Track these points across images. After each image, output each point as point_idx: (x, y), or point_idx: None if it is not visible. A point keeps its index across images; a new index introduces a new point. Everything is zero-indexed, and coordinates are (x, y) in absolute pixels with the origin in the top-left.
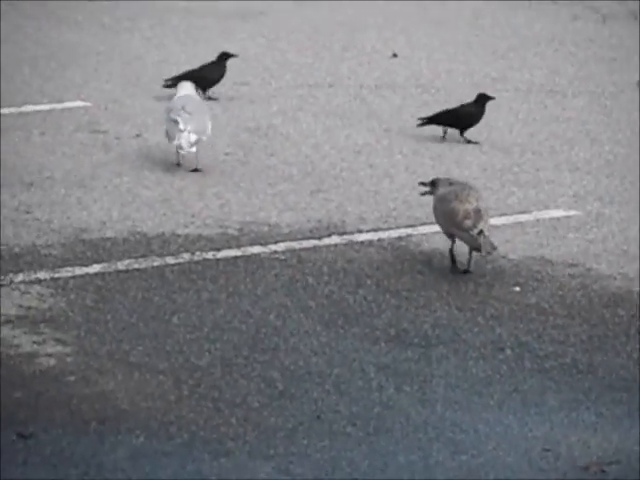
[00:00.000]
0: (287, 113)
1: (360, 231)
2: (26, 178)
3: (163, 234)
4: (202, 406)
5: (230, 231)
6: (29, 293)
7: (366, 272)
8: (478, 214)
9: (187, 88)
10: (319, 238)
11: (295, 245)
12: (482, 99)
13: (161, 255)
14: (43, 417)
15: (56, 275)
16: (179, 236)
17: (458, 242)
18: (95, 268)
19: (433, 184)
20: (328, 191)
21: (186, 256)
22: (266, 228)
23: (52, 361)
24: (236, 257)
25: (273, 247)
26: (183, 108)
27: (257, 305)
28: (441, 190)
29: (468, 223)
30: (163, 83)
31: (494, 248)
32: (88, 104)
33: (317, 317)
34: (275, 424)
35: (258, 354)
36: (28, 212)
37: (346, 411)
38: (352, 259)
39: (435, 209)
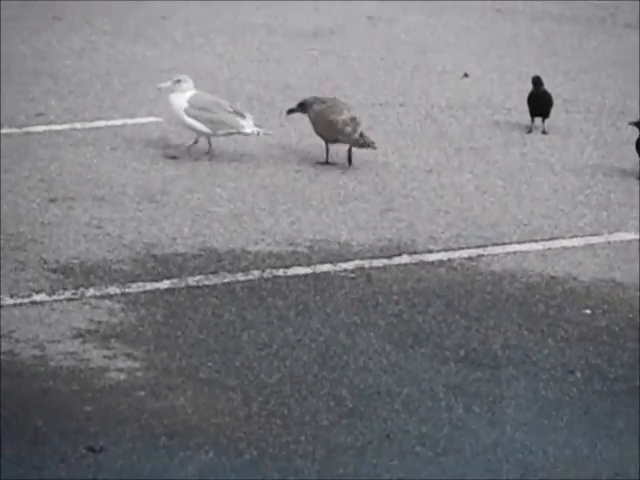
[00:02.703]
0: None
1: (430, 251)
2: (97, 193)
3: (234, 250)
4: (271, 423)
5: (300, 249)
6: (100, 308)
7: (436, 292)
8: (354, 121)
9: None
10: (389, 257)
11: (365, 264)
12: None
13: (231, 271)
14: (113, 431)
15: (127, 290)
16: (249, 253)
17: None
18: (165, 284)
19: (302, 105)
20: (399, 210)
21: (256, 273)
22: (336, 246)
23: (122, 376)
24: (306, 275)
25: (343, 265)
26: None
27: (327, 323)
28: (316, 107)
29: (349, 129)
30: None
31: (373, 142)
32: (159, 120)
33: (386, 336)
34: (344, 442)
35: (327, 372)
36: (99, 227)
37: (415, 431)
38: (422, 279)
39: (315, 124)
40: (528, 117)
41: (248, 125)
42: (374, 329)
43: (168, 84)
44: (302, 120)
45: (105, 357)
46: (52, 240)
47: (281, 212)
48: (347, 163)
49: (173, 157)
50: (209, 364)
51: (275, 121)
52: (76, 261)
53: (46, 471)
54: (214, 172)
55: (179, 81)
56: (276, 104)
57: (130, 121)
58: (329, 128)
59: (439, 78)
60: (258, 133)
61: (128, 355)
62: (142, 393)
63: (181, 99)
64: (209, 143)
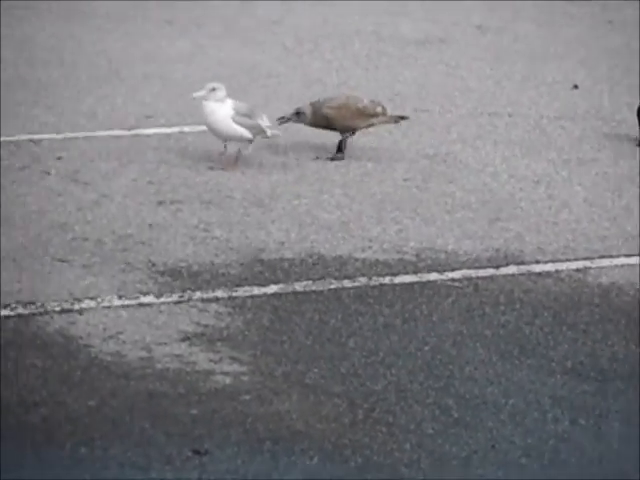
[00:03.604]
0: (466, 141)
1: (538, 262)
2: (205, 196)
3: (340, 257)
4: (376, 431)
5: (407, 257)
6: (207, 311)
7: (543, 303)
8: (376, 102)
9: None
10: (496, 267)
11: (472, 273)
12: None
13: (338, 278)
14: (218, 435)
15: (234, 294)
16: (356, 260)
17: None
18: (272, 288)
19: (298, 113)
20: (506, 220)
21: (363, 280)
22: (443, 255)
23: (228, 379)
24: (413, 283)
25: (450, 274)
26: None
27: (433, 332)
28: (330, 104)
29: (380, 109)
30: None
31: (403, 115)
32: (268, 124)
33: (493, 347)
34: (449, 452)
35: (433, 381)
36: (207, 230)
37: (521, 442)
38: (529, 289)
39: (338, 119)
40: (637, 129)
41: (269, 128)
42: (480, 339)
43: (203, 93)
44: (411, 128)
45: (211, 360)
46: (160, 242)
47: (388, 220)
48: (340, 151)
49: (334, 158)
50: (315, 370)
51: (384, 129)
52: (183, 264)
53: (152, 472)
54: (322, 178)
55: (214, 89)
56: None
57: None
58: (361, 116)
59: (548, 89)
60: (273, 135)
61: (234, 359)
62: (247, 397)
63: (224, 107)
64: (239, 150)
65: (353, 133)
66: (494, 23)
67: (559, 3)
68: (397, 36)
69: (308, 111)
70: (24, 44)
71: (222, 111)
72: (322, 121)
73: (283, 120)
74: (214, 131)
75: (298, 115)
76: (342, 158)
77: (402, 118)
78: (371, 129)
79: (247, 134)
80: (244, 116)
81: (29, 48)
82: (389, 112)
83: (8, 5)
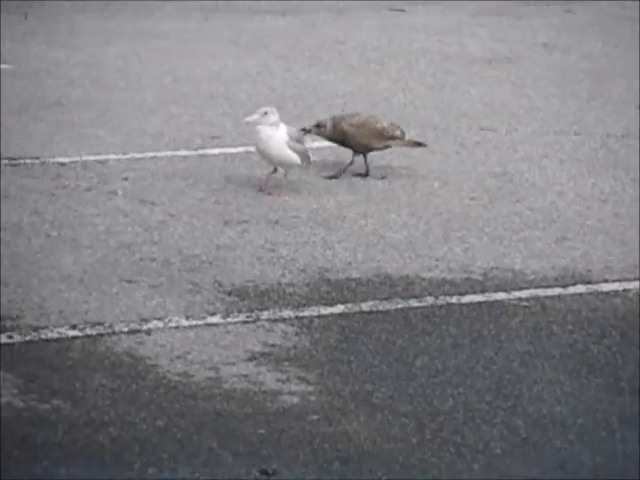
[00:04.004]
0: (533, 160)
1: (606, 281)
2: (272, 216)
3: (407, 277)
4: (444, 451)
5: (474, 276)
6: (274, 331)
7: (611, 323)
8: (395, 125)
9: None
10: (564, 286)
11: (539, 293)
12: None
13: (405, 298)
14: (286, 455)
15: (301, 314)
16: (423, 279)
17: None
18: (339, 308)
19: (319, 125)
20: (573, 239)
21: (430, 299)
22: (510, 274)
23: (295, 399)
24: (480, 303)
25: (517, 294)
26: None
27: (500, 351)
28: (350, 121)
29: (398, 133)
30: None
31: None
32: (333, 144)
33: (561, 366)
34: (518, 472)
35: (501, 400)
36: (273, 250)
37: (589, 461)
38: (597, 309)
39: (356, 136)
40: None
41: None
42: (548, 358)
43: (256, 117)
44: (477, 146)
45: (278, 380)
46: (227, 262)
47: (455, 239)
48: (367, 171)
49: (332, 177)
50: (382, 390)
51: (451, 148)
52: (250, 284)
53: None
54: (389, 198)
55: (266, 113)
56: (451, 131)
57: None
58: (378, 137)
59: (615, 107)
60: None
61: (301, 379)
62: (315, 417)
63: (279, 132)
64: (285, 174)
65: (366, 154)
66: (560, 41)
67: (625, 22)
68: (463, 55)
69: (329, 124)
70: (91, 65)
71: (278, 136)
72: (339, 136)
73: (305, 131)
74: (269, 156)
75: (319, 127)
76: (337, 177)
77: (419, 145)
78: (387, 150)
79: (298, 160)
80: (296, 141)
81: (96, 69)
82: (407, 137)
83: (75, 28)
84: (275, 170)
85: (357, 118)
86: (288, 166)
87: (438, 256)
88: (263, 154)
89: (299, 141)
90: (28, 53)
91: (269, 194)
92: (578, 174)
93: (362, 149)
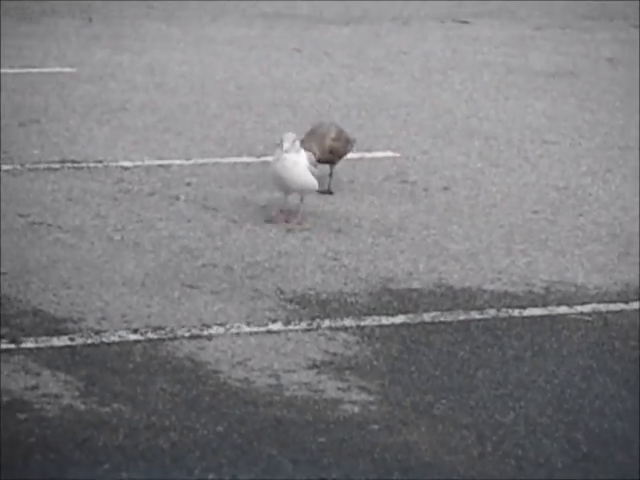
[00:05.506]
0: (597, 174)
1: None
2: (334, 225)
3: (469, 288)
4: (505, 464)
5: (536, 289)
6: (335, 339)
7: None
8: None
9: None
10: (626, 302)
11: (602, 307)
12: None
13: (466, 309)
14: (346, 464)
15: (362, 323)
16: (485, 291)
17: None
18: (401, 318)
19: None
20: (636, 254)
21: (492, 312)
22: (573, 288)
23: (356, 408)
24: (542, 316)
25: (579, 308)
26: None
27: (562, 365)
28: (329, 140)
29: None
30: None
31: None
32: (397, 155)
33: (622, 381)
34: None
35: (562, 415)
36: (336, 259)
37: None
38: None
39: (339, 149)
40: None
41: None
42: (610, 374)
43: (288, 145)
44: (540, 160)
45: (339, 389)
46: (289, 270)
47: (517, 252)
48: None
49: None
50: (443, 401)
51: (514, 161)
52: (312, 292)
53: None
54: (451, 209)
55: (294, 141)
56: (514, 144)
57: (367, 155)
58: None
59: None
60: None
61: (362, 388)
62: (376, 427)
63: (300, 157)
64: (301, 200)
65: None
66: (625, 56)
67: None
68: (527, 68)
69: (314, 148)
70: (155, 70)
71: (302, 162)
72: (328, 156)
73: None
74: (294, 183)
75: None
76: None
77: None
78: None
79: (315, 185)
80: (313, 165)
81: (160, 74)
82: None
83: (140, 32)
84: (288, 201)
85: (332, 132)
86: (308, 192)
87: (500, 268)
88: (286, 181)
89: (314, 165)
90: (92, 57)
91: (287, 226)
92: None
93: (337, 160)
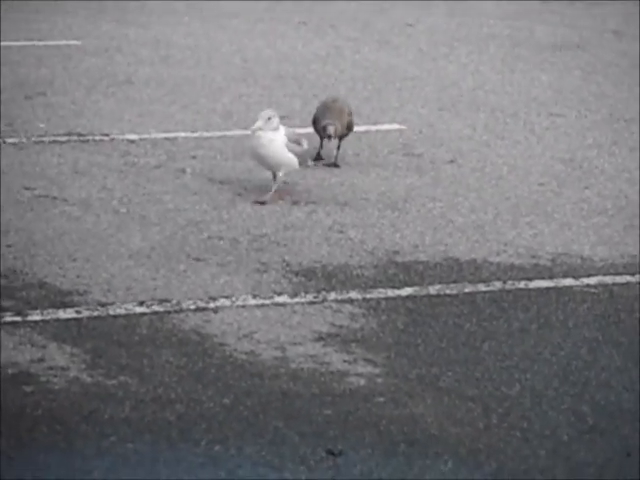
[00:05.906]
0: (602, 146)
1: None
2: (340, 198)
3: (475, 261)
4: (511, 436)
5: (542, 262)
6: (341, 312)
7: None
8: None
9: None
10: (632, 274)
11: (608, 280)
12: None
13: (472, 282)
14: (352, 436)
15: (368, 296)
16: (491, 264)
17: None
18: (407, 291)
19: (330, 131)
20: None
21: (498, 284)
22: (579, 261)
23: (362, 381)
24: (548, 288)
25: (585, 280)
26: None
27: (568, 338)
28: (347, 115)
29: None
30: None
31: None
32: (403, 127)
33: (629, 353)
34: (584, 459)
35: (568, 387)
36: (341, 232)
37: None
38: None
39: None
40: None
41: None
42: (616, 346)
43: (260, 123)
44: (546, 132)
45: (345, 361)
46: (294, 243)
47: (523, 224)
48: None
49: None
50: (449, 373)
51: (520, 133)
52: (318, 265)
53: (286, 472)
54: (457, 181)
55: (270, 118)
56: (520, 116)
57: (373, 127)
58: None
59: None
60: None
61: (368, 361)
62: (381, 399)
63: (279, 135)
64: (284, 180)
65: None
66: (630, 29)
67: None
68: (533, 41)
69: (337, 123)
70: (160, 43)
71: (279, 140)
72: (346, 132)
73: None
74: (270, 160)
75: (335, 130)
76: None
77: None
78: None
79: (297, 163)
80: (294, 143)
81: (166, 47)
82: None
83: (145, 5)
84: (274, 176)
85: (337, 104)
86: (286, 169)
87: (506, 241)
88: (263, 159)
89: (297, 142)
90: (98, 30)
91: (260, 203)
92: None
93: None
